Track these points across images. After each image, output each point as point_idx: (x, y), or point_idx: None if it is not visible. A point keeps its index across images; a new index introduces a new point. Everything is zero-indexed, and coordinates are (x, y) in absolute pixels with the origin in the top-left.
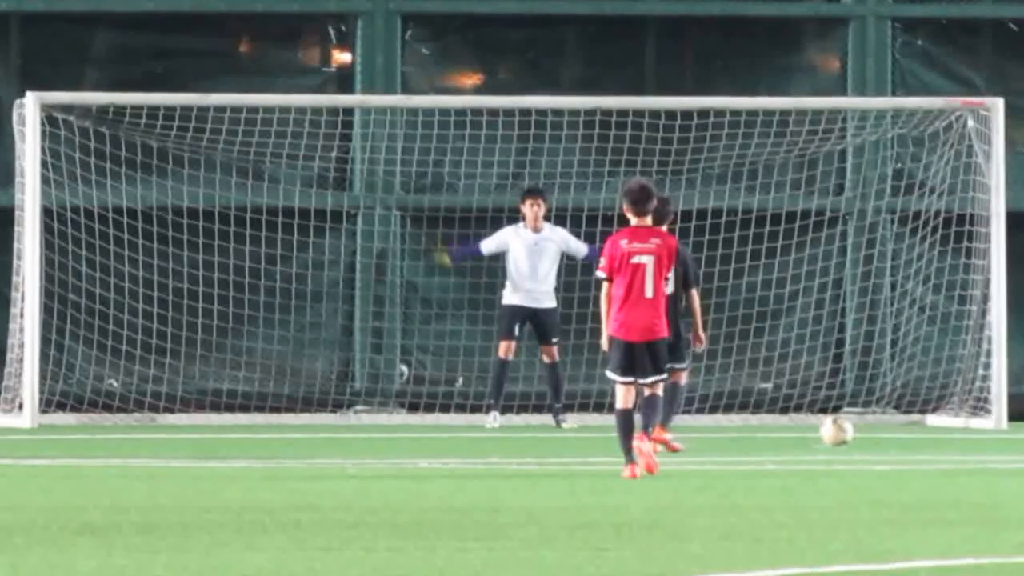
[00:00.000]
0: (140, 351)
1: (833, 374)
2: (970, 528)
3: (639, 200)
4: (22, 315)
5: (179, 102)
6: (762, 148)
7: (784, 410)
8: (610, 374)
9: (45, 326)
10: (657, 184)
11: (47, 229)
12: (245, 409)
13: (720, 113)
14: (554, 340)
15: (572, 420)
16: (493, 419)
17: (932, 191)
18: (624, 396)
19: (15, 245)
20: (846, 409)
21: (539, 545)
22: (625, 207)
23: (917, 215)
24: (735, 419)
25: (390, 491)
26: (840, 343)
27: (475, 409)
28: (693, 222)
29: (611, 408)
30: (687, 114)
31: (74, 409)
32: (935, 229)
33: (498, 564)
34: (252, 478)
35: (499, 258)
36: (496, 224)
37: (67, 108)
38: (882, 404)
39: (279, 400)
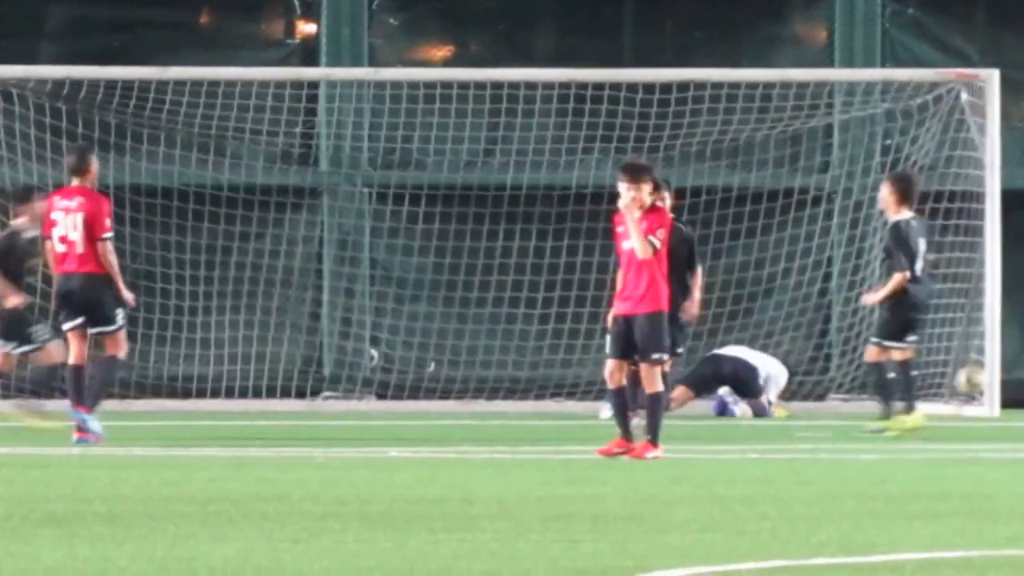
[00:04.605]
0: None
1: (818, 359)
2: (959, 520)
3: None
4: None
5: (138, 76)
6: (745, 123)
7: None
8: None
9: None
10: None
11: (1, 210)
12: (209, 395)
13: (701, 86)
14: None
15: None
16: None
17: (923, 168)
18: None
19: None
20: (832, 396)
21: (512, 537)
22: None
23: None
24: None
25: (360, 481)
26: (826, 327)
27: (446, 395)
28: (669, 201)
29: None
30: (666, 87)
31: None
32: (926, 209)
33: (470, 556)
34: (218, 467)
35: (465, 235)
36: (465, 203)
37: (22, 82)
38: (869, 391)
39: (244, 387)
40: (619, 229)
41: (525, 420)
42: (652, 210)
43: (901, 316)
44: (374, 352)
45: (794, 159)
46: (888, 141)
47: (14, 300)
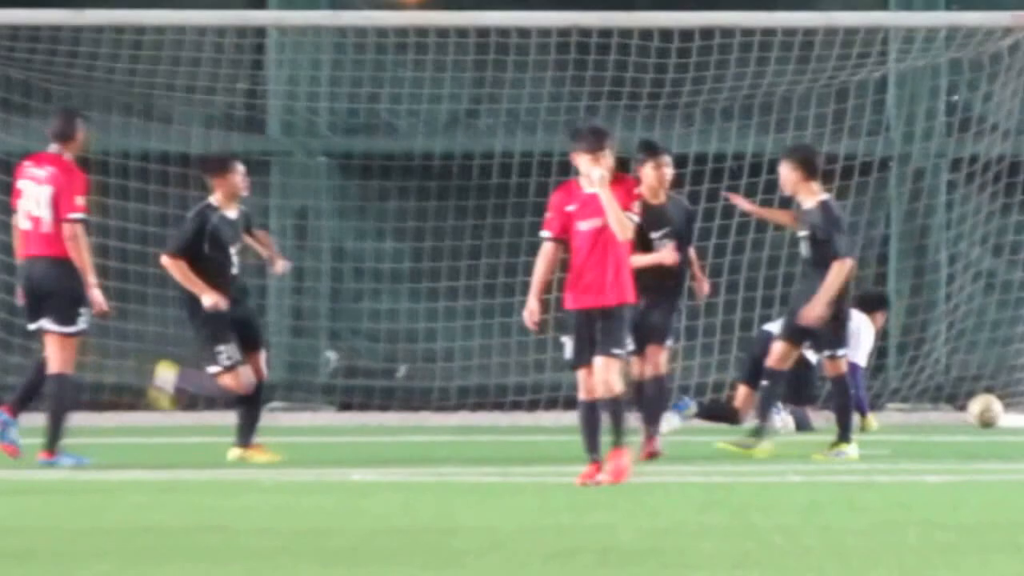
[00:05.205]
0: (1, 333)
1: (871, 358)
2: None
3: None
4: None
5: (47, 20)
6: (781, 77)
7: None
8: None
9: None
10: (646, 122)
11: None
12: (131, 407)
13: (728, 33)
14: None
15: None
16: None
17: (994, 129)
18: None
19: None
20: (887, 405)
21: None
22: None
23: (975, 160)
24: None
25: (317, 509)
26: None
27: (422, 405)
28: (690, 167)
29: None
30: (686, 34)
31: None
32: (997, 177)
33: None
34: (143, 493)
35: (446, 213)
36: (446, 175)
37: None
38: (932, 398)
39: (181, 396)
40: (569, 208)
41: (518, 435)
42: (618, 181)
43: (846, 315)
44: (332, 354)
45: (840, 119)
46: (953, 98)
47: (211, 300)
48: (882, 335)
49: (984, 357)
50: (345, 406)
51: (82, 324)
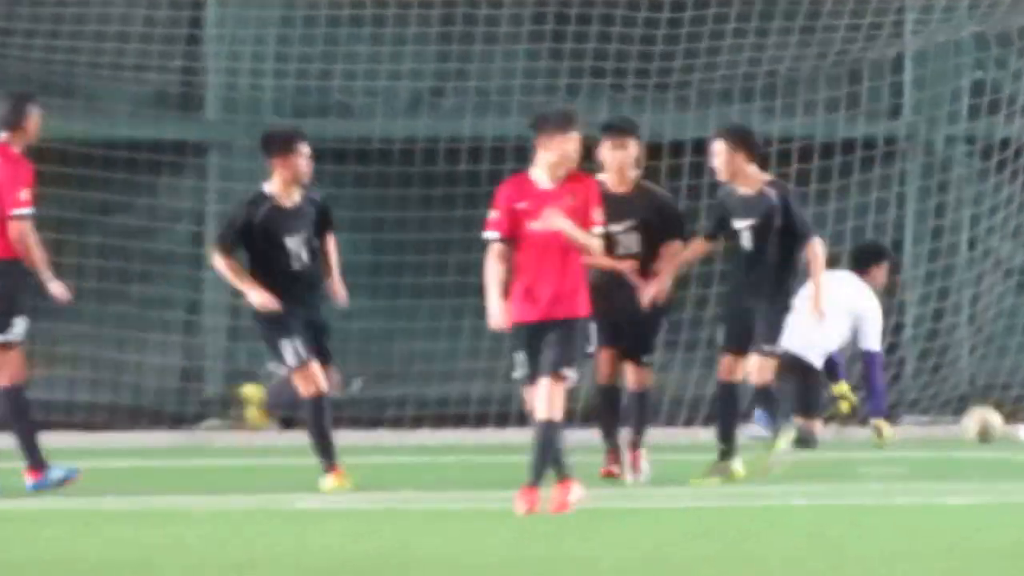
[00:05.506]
0: None
1: (887, 368)
2: None
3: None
4: None
5: None
6: (783, 54)
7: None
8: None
9: None
10: (636, 104)
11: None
12: (49, 425)
13: (725, 3)
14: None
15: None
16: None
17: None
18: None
19: None
20: (906, 418)
21: None
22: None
23: (1005, 144)
24: (744, 431)
25: (259, 540)
26: (898, 324)
27: (377, 422)
28: (688, 157)
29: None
30: (678, 4)
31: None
32: None
33: None
34: (62, 522)
35: (407, 203)
36: (407, 160)
37: None
38: (955, 410)
39: (96, 412)
40: (520, 205)
41: (485, 455)
42: (576, 180)
43: (787, 308)
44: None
45: (852, 102)
46: (979, 75)
47: (257, 299)
48: (889, 291)
49: (1016, 363)
50: (287, 423)
51: (17, 330)
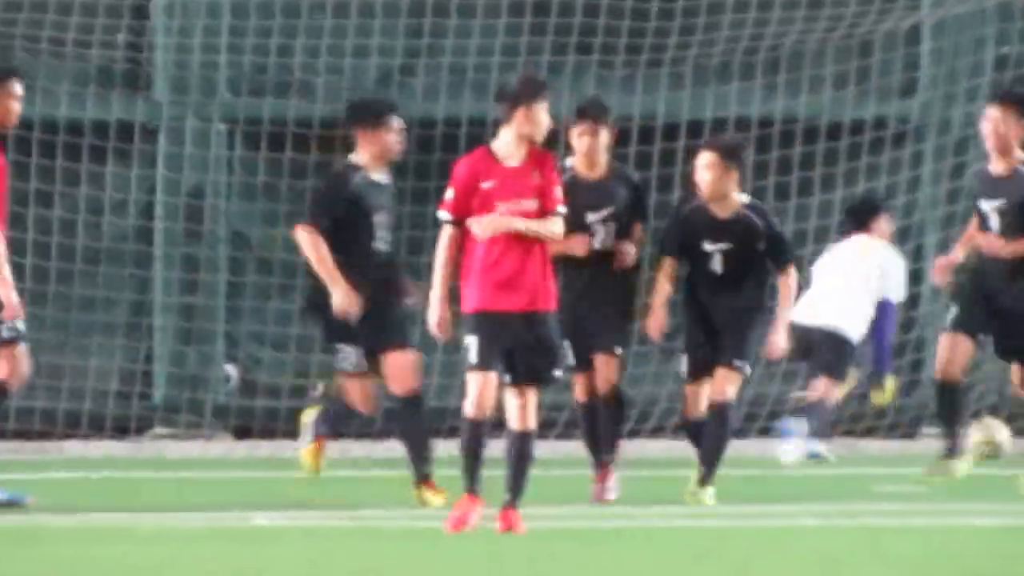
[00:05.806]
0: None
1: (904, 371)
2: None
3: None
4: None
5: None
6: (788, 27)
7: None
8: None
9: None
10: (625, 83)
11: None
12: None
13: None
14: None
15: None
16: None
17: None
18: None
19: None
20: (926, 430)
21: None
22: None
23: None
24: (751, 446)
25: (210, 560)
26: (912, 324)
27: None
28: (683, 140)
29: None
30: None
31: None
32: None
33: None
34: None
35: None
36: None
37: None
38: (979, 421)
39: (30, 419)
40: (486, 184)
41: (458, 468)
42: (535, 158)
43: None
44: (232, 369)
45: (862, 78)
46: (1003, 50)
47: (342, 302)
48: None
49: None
50: (243, 433)
51: (5, 333)
